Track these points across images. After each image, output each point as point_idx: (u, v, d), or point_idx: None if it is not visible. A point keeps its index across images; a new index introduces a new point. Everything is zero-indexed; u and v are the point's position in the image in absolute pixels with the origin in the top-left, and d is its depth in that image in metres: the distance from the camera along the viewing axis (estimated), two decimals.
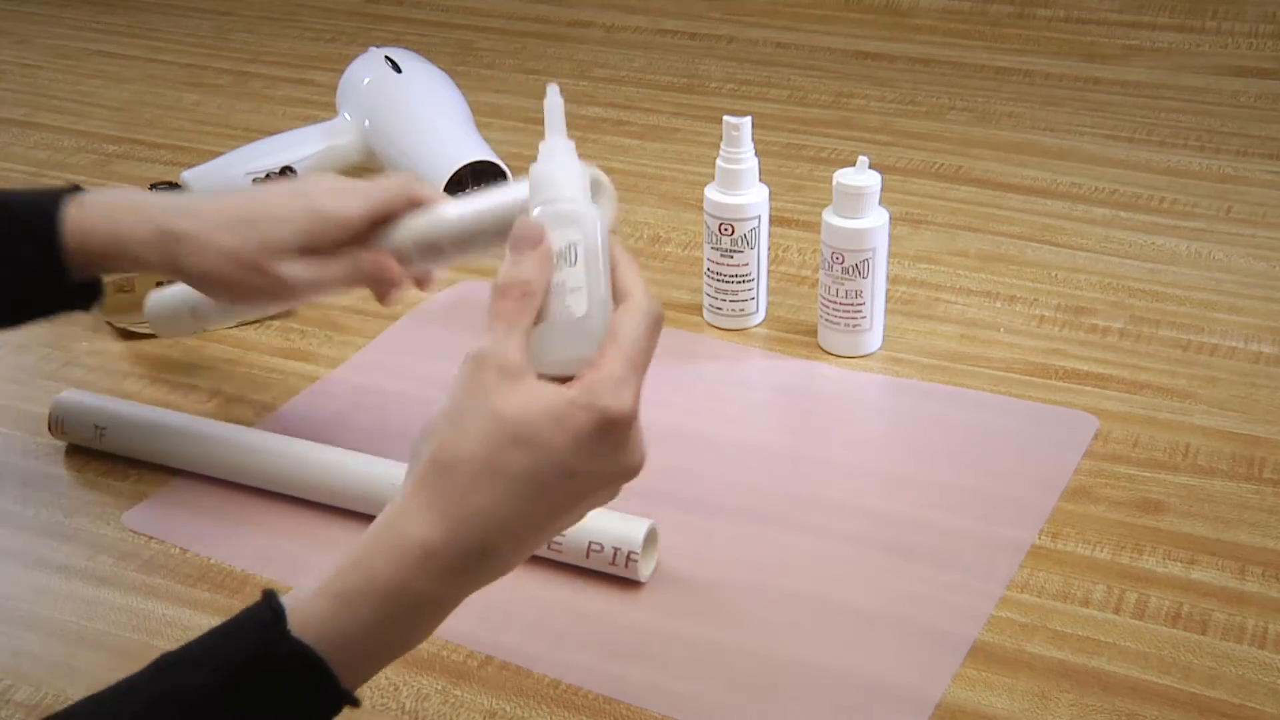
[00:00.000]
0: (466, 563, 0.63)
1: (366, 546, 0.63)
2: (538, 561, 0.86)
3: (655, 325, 0.66)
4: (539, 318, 0.66)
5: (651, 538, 0.86)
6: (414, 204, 0.90)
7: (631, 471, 0.66)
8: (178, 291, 1.01)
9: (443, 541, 0.63)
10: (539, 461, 0.63)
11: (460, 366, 0.65)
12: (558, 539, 0.85)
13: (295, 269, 0.87)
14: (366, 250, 0.89)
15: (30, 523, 0.93)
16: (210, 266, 0.87)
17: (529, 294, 0.65)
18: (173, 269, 0.87)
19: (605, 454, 0.64)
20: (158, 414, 0.98)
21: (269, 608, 0.62)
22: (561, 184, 0.69)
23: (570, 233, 0.66)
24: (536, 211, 0.68)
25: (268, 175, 1.31)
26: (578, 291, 0.66)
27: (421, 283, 0.95)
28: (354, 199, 0.88)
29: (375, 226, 0.89)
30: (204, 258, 0.86)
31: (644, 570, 0.85)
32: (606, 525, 0.84)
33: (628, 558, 0.84)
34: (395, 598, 0.63)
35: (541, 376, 0.65)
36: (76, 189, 0.88)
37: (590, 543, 0.84)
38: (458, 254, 0.90)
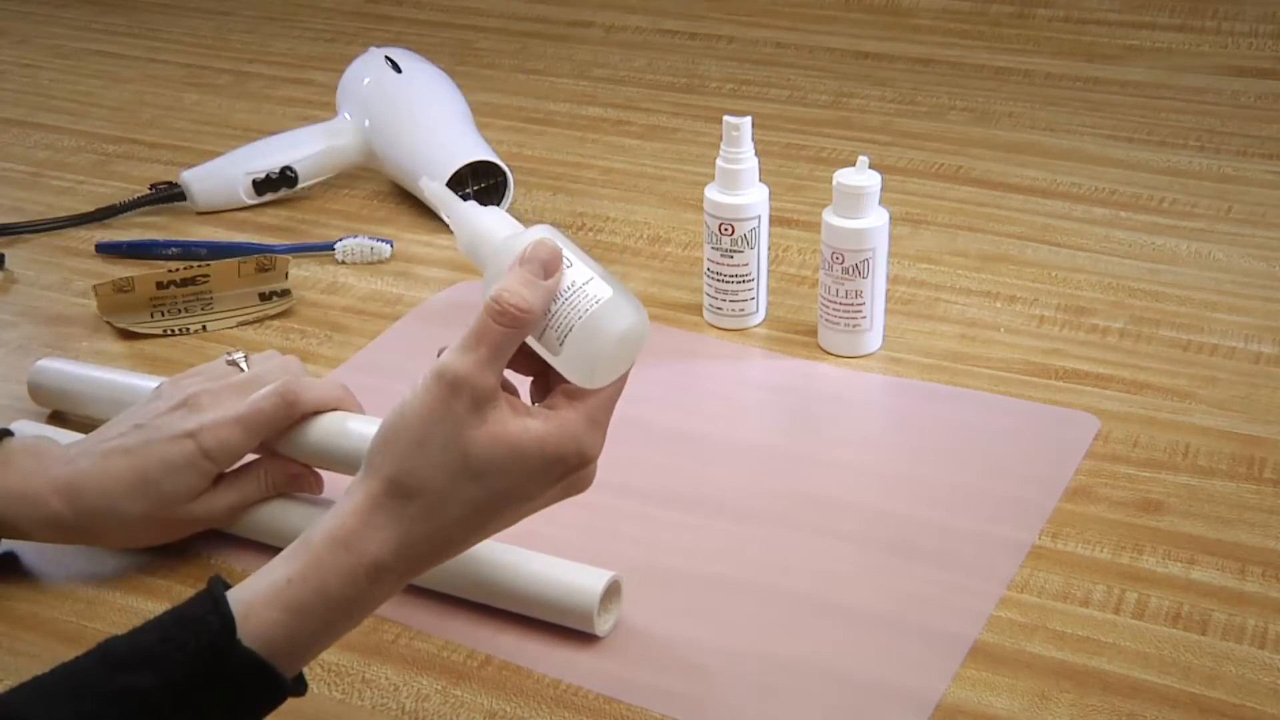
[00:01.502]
0: (413, 575, 0.69)
1: (318, 560, 0.66)
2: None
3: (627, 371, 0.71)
4: (556, 333, 0.67)
5: (611, 593, 0.82)
6: (294, 414, 0.85)
7: (580, 490, 0.71)
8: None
9: (395, 560, 0.67)
10: (496, 493, 0.67)
11: (430, 380, 0.66)
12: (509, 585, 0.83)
13: (206, 506, 0.85)
14: (271, 460, 0.87)
15: None
16: (127, 537, 0.85)
17: (525, 324, 0.67)
18: (73, 539, 0.86)
19: (564, 486, 0.69)
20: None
21: (218, 614, 0.64)
22: (497, 224, 0.71)
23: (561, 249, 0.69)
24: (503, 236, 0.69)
25: (267, 176, 1.31)
26: (591, 281, 0.68)
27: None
28: (236, 431, 0.83)
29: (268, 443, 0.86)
30: (120, 529, 0.84)
31: (603, 627, 0.81)
32: (562, 585, 0.81)
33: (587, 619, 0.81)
34: (343, 608, 0.66)
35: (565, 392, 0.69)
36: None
37: (545, 603, 0.82)
38: (327, 467, 0.87)
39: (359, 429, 0.85)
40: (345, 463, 0.85)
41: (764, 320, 1.12)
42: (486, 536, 0.70)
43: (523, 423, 0.67)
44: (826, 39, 1.70)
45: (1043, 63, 1.62)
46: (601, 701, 0.78)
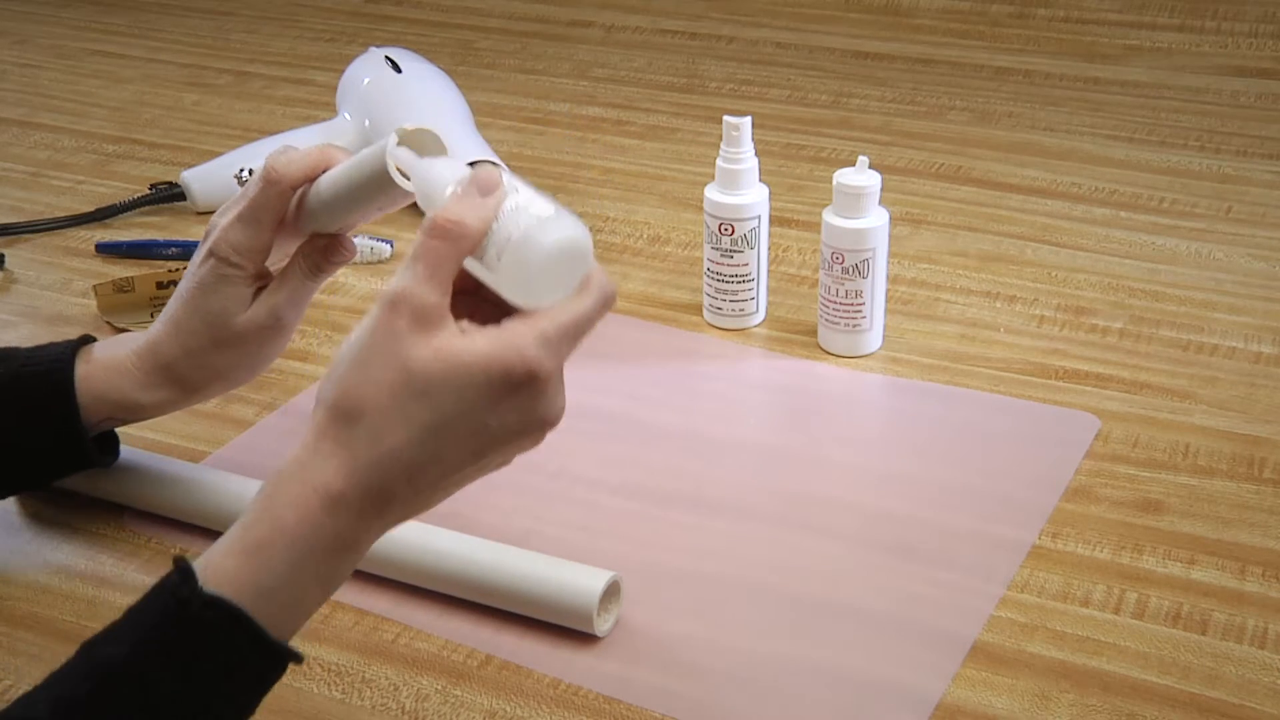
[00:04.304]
0: (372, 508, 0.64)
1: (271, 498, 0.64)
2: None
3: (605, 302, 0.66)
4: (495, 250, 0.64)
5: (611, 593, 0.82)
6: (284, 189, 0.82)
7: (549, 423, 0.66)
8: None
9: (346, 487, 0.63)
10: (444, 413, 0.63)
11: (375, 306, 0.64)
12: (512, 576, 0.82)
13: (263, 309, 0.84)
14: (303, 245, 0.85)
15: (31, 523, 0.93)
16: (214, 372, 0.85)
17: (463, 237, 0.64)
18: (180, 395, 0.86)
19: (517, 407, 0.64)
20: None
21: (179, 570, 0.62)
22: (450, 171, 0.69)
23: (503, 177, 0.66)
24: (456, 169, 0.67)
25: None
26: (535, 202, 0.66)
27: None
28: (238, 227, 0.82)
29: (295, 199, 0.83)
30: (202, 366, 0.84)
31: (602, 627, 0.81)
32: (562, 585, 0.81)
33: (586, 619, 0.81)
34: (306, 545, 0.63)
35: (511, 308, 0.64)
36: (82, 343, 0.86)
37: (544, 603, 0.81)
38: (349, 215, 0.82)
39: (352, 165, 0.79)
40: (359, 200, 0.80)
41: (764, 320, 1.12)
42: (449, 474, 0.65)
43: (469, 339, 0.63)
44: (826, 39, 1.70)
45: (1043, 63, 1.62)
46: (601, 701, 0.78)
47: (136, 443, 0.97)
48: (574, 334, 0.65)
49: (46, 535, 0.91)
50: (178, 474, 0.92)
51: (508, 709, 0.77)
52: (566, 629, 0.81)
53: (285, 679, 0.79)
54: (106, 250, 1.26)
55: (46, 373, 0.84)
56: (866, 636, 0.81)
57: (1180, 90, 1.53)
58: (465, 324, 0.65)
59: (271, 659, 0.63)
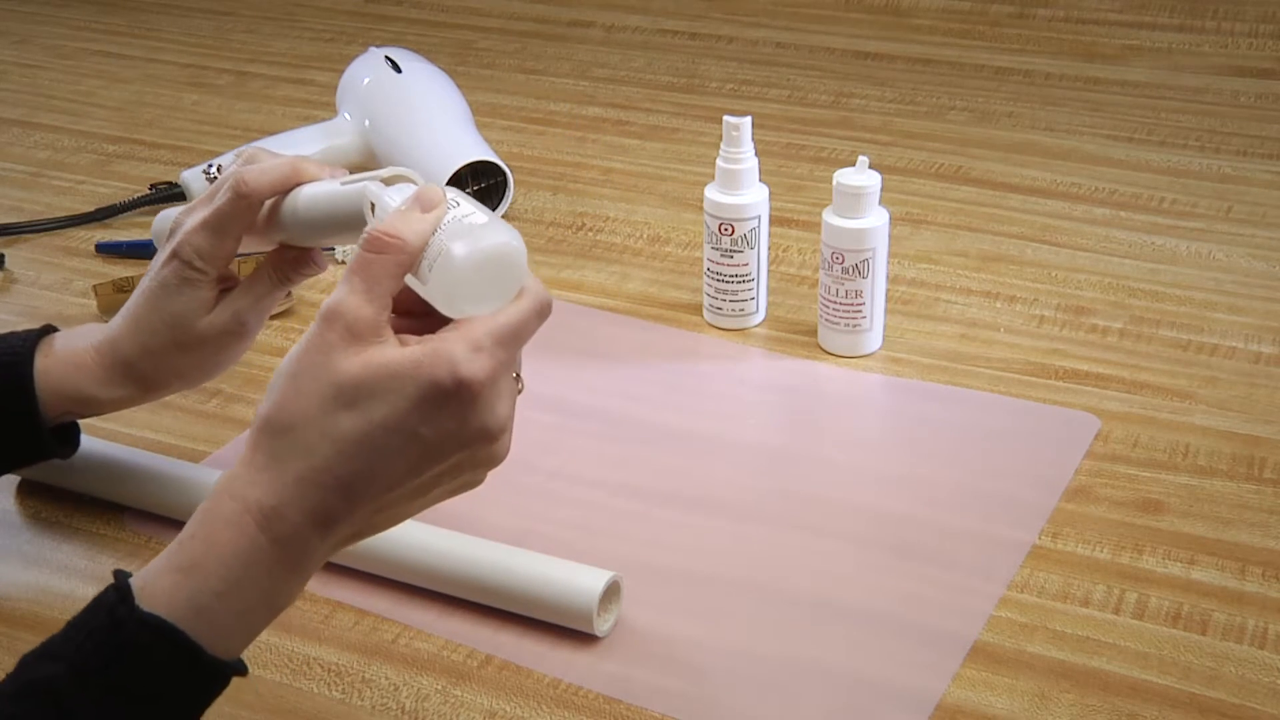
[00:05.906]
0: (312, 526, 0.63)
1: (207, 513, 0.63)
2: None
3: (540, 310, 0.65)
4: (429, 261, 0.64)
5: (611, 593, 0.82)
6: (253, 202, 0.81)
7: (486, 435, 0.64)
8: None
9: (280, 503, 0.62)
10: (372, 424, 0.62)
11: (315, 319, 0.63)
12: (509, 580, 0.82)
13: (226, 314, 0.83)
14: (272, 253, 0.84)
15: (30, 522, 0.93)
16: (174, 371, 0.85)
17: (399, 250, 0.63)
18: (139, 393, 0.85)
19: (451, 417, 0.62)
20: (112, 450, 0.94)
21: (115, 588, 0.62)
22: (405, 190, 0.69)
23: (446, 194, 0.66)
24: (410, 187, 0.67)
25: None
26: (473, 214, 0.65)
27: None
28: (203, 234, 0.81)
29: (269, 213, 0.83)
30: (162, 364, 0.84)
31: (602, 627, 0.81)
32: (562, 585, 0.81)
33: (586, 619, 0.81)
34: (243, 562, 0.62)
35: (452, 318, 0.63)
36: (44, 334, 0.85)
37: (544, 603, 0.81)
38: (320, 239, 0.83)
39: (331, 199, 0.79)
40: (333, 231, 0.80)
41: (764, 320, 1.12)
42: (388, 490, 0.63)
43: (401, 350, 0.62)
44: (826, 39, 1.70)
45: (1043, 63, 1.62)
46: (601, 701, 0.78)
47: (137, 443, 0.97)
48: (507, 341, 0.63)
49: (46, 535, 0.91)
50: (178, 474, 0.92)
51: (508, 709, 0.77)
52: (566, 629, 0.81)
53: (285, 679, 0.79)
54: (106, 250, 1.26)
55: (5, 364, 0.83)
56: (866, 636, 0.81)
57: (1180, 90, 1.53)
58: (405, 337, 0.64)
59: (211, 675, 0.63)
